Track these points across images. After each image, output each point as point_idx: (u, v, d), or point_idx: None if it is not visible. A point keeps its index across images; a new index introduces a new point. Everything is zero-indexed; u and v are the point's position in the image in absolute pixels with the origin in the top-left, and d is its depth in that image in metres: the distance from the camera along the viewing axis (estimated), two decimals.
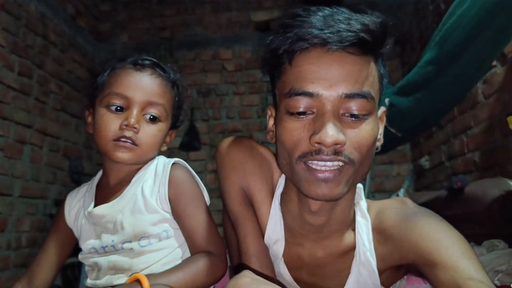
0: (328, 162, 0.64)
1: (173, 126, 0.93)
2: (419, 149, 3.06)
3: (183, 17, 3.67)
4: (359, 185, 0.79)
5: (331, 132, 0.61)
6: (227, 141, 0.84)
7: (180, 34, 3.64)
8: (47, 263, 0.91)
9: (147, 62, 0.87)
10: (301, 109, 0.65)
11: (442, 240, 0.65)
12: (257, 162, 0.81)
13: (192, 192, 0.86)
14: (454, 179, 1.57)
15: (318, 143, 0.63)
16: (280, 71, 0.71)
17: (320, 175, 0.64)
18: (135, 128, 0.81)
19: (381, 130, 0.75)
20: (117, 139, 0.81)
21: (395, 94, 1.36)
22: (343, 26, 0.63)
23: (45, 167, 2.77)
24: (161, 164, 0.88)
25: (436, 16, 2.60)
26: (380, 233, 0.75)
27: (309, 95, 0.64)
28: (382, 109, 0.76)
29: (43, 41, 2.78)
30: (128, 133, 0.81)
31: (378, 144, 0.74)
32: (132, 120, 0.81)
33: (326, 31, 0.63)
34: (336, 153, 0.63)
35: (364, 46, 0.64)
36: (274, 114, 0.76)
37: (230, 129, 3.50)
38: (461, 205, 1.54)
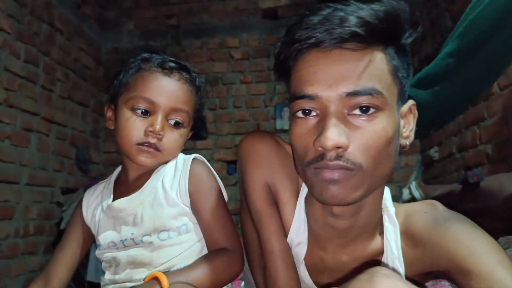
0: (331, 166, 0.61)
1: (192, 128, 0.93)
2: (429, 140, 3.03)
3: (189, 5, 3.62)
4: (386, 189, 0.77)
5: (330, 135, 0.59)
6: (251, 135, 0.82)
7: (186, 22, 3.59)
8: (64, 263, 0.90)
9: (174, 65, 0.86)
10: (301, 110, 0.64)
11: (477, 247, 0.62)
12: (283, 159, 0.78)
13: (211, 188, 0.86)
14: (470, 173, 1.55)
15: (319, 146, 0.60)
16: (287, 77, 0.70)
17: (327, 175, 0.61)
18: (159, 135, 0.82)
19: (411, 126, 0.70)
20: (141, 144, 0.82)
21: (413, 86, 1.31)
22: (336, 22, 0.60)
23: (52, 155, 2.77)
24: (181, 159, 0.89)
25: (449, 4, 2.54)
26: (409, 237, 0.72)
27: (309, 97, 0.62)
28: (410, 102, 0.70)
29: (49, 28, 2.75)
30: (152, 140, 0.82)
31: (406, 142, 0.69)
32: (158, 127, 0.81)
33: (318, 31, 0.61)
34: (339, 157, 0.60)
35: (363, 39, 0.61)
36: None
37: (237, 119, 3.48)
38: (476, 200, 1.51)
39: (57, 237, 2.70)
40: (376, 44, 0.63)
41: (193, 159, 0.88)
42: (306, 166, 0.64)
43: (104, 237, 0.86)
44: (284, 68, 0.69)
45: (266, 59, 3.50)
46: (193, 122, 0.91)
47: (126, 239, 0.83)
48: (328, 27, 0.60)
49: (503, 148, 1.96)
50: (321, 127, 0.61)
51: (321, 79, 0.62)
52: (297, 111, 0.65)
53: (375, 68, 0.62)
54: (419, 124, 0.73)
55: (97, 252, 0.88)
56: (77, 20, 3.13)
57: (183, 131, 0.87)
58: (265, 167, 0.77)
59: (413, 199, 1.95)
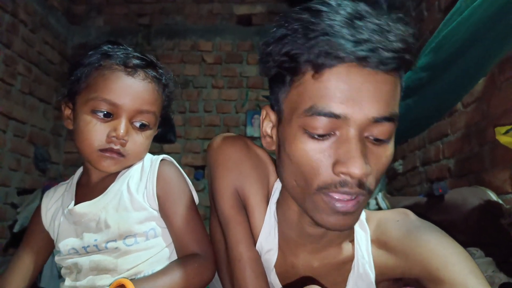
0: (353, 193, 0.58)
1: (158, 125, 0.87)
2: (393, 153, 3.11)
3: (162, 5, 3.55)
4: None
5: (359, 164, 0.55)
6: (221, 138, 0.78)
7: (159, 22, 3.52)
8: (22, 272, 0.83)
9: (138, 62, 0.79)
10: (321, 131, 0.57)
11: (450, 257, 0.63)
12: (253, 163, 0.76)
13: (181, 190, 0.82)
14: (435, 186, 1.59)
15: (344, 173, 0.56)
16: (296, 79, 0.60)
17: (341, 207, 0.58)
18: (123, 140, 0.76)
19: None
20: (104, 150, 0.76)
21: None
22: (379, 39, 0.54)
23: (8, 153, 2.61)
24: (148, 160, 0.84)
25: (419, 22, 2.63)
26: (381, 245, 0.72)
27: (335, 116, 0.56)
28: None
29: (12, 18, 2.61)
30: (115, 146, 0.76)
31: None
32: (122, 131, 0.75)
33: (362, 47, 0.53)
34: (361, 184, 0.57)
35: (400, 64, 0.57)
36: (274, 120, 0.68)
37: (207, 123, 3.43)
38: (440, 212, 1.56)
39: (10, 241, 2.54)
40: (404, 69, 0.60)
41: (162, 160, 0.83)
42: (317, 190, 0.59)
43: (65, 244, 0.79)
44: (295, 68, 0.59)
45: (239, 64, 3.49)
46: (160, 119, 0.85)
47: (88, 246, 0.77)
48: (374, 45, 0.54)
49: (464, 163, 2.03)
50: (343, 151, 0.56)
51: (352, 98, 0.55)
52: (313, 129, 0.58)
53: (398, 93, 0.60)
54: None
55: (57, 258, 0.81)
56: (44, 11, 3.00)
57: (149, 133, 0.82)
58: (234, 171, 0.75)
59: (379, 210, 1.99)
